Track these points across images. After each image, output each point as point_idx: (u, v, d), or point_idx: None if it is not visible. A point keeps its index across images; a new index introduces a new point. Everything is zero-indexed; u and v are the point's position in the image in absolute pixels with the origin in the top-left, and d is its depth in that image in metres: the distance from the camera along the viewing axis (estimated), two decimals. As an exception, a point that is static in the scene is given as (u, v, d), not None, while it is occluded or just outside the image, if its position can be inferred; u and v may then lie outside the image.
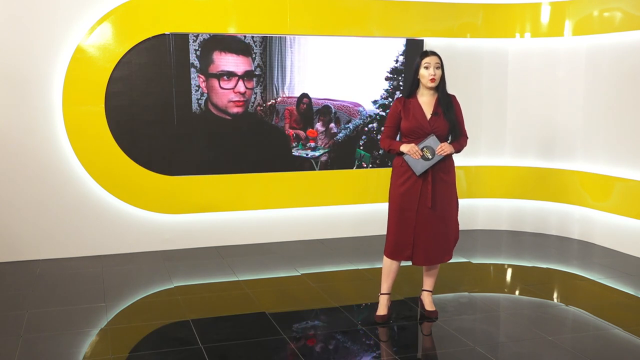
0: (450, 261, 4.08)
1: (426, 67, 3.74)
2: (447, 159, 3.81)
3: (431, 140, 3.69)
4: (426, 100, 3.80)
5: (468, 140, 3.93)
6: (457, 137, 3.81)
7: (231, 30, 5.66)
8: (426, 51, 3.82)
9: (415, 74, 3.80)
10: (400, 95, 3.89)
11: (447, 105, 3.78)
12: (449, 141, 3.80)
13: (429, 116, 3.76)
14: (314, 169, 6.01)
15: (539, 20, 6.20)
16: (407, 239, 3.83)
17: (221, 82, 5.63)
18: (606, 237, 5.87)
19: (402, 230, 3.83)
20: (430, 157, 3.68)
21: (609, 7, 5.69)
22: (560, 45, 6.13)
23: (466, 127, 3.93)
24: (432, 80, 3.73)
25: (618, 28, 5.59)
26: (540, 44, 6.24)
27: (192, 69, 5.55)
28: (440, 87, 3.79)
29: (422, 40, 6.10)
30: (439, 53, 3.82)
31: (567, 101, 6.13)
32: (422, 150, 3.69)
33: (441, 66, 3.76)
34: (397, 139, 3.90)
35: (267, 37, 5.69)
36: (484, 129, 6.38)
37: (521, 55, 6.34)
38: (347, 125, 6.01)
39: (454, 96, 3.87)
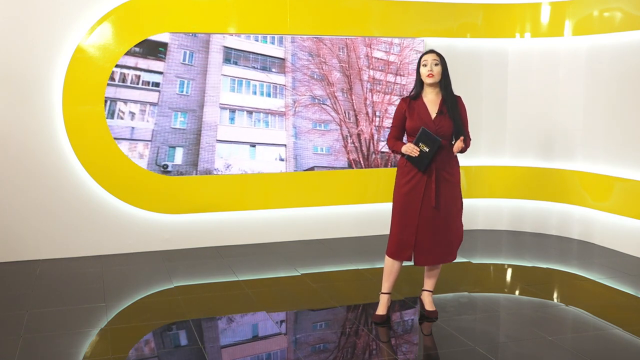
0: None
1: (424, 65, 3.78)
2: (451, 156, 3.81)
3: (422, 133, 3.69)
4: (431, 100, 3.81)
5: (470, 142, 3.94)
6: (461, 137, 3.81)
7: (231, 31, 5.66)
8: (427, 50, 3.87)
9: (417, 74, 3.83)
10: (407, 95, 3.91)
11: (452, 104, 3.79)
12: (452, 142, 3.81)
13: (433, 115, 3.77)
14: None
15: (539, 20, 6.20)
16: (409, 239, 3.83)
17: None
18: (606, 237, 5.87)
19: (405, 230, 3.83)
20: (427, 149, 3.69)
21: (609, 7, 5.69)
22: (560, 45, 6.13)
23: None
24: (430, 76, 3.75)
25: (618, 28, 5.59)
26: (540, 44, 6.24)
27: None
28: (443, 86, 3.80)
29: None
30: (439, 52, 3.84)
31: (567, 101, 6.13)
32: (418, 145, 3.70)
33: (440, 63, 3.77)
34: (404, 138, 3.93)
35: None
36: (484, 129, 6.38)
37: (521, 55, 6.34)
38: None
39: (459, 97, 3.88)
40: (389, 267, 3.94)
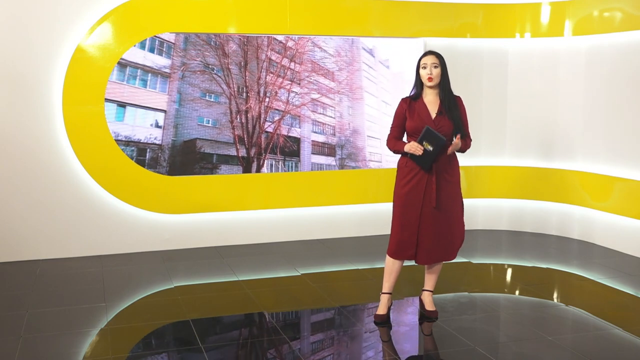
0: (450, 261, 4.08)
1: (424, 67, 3.78)
2: (451, 156, 3.82)
3: (427, 131, 3.69)
4: (431, 100, 3.82)
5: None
6: (462, 137, 3.82)
7: (231, 30, 5.66)
8: (426, 51, 3.86)
9: (417, 75, 3.83)
10: (407, 96, 3.91)
11: (450, 104, 3.79)
12: (453, 141, 3.81)
13: (434, 115, 3.78)
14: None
15: (539, 20, 6.20)
16: (410, 239, 3.84)
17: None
18: (606, 237, 5.87)
19: (406, 230, 3.83)
20: (431, 148, 3.68)
21: (609, 7, 5.69)
22: (560, 45, 6.13)
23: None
24: (429, 79, 3.76)
25: (618, 28, 5.59)
26: (540, 44, 6.24)
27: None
28: (442, 86, 3.81)
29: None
30: (439, 53, 3.84)
31: (567, 101, 6.13)
32: (422, 144, 3.70)
33: (440, 65, 3.77)
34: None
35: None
36: (484, 129, 6.38)
37: (521, 55, 6.34)
38: None
39: (459, 97, 3.89)
40: (390, 266, 3.94)
